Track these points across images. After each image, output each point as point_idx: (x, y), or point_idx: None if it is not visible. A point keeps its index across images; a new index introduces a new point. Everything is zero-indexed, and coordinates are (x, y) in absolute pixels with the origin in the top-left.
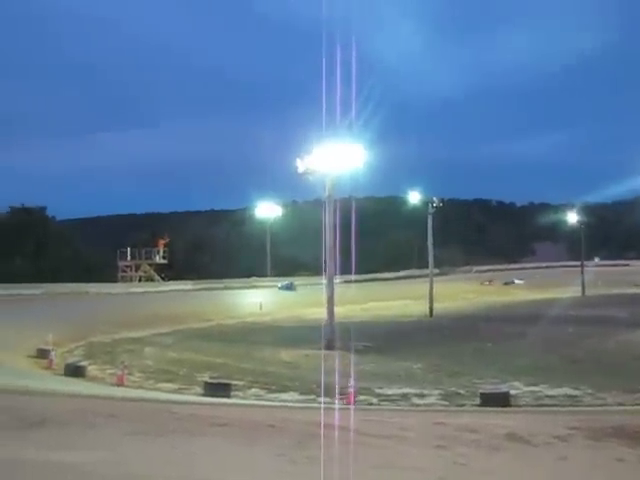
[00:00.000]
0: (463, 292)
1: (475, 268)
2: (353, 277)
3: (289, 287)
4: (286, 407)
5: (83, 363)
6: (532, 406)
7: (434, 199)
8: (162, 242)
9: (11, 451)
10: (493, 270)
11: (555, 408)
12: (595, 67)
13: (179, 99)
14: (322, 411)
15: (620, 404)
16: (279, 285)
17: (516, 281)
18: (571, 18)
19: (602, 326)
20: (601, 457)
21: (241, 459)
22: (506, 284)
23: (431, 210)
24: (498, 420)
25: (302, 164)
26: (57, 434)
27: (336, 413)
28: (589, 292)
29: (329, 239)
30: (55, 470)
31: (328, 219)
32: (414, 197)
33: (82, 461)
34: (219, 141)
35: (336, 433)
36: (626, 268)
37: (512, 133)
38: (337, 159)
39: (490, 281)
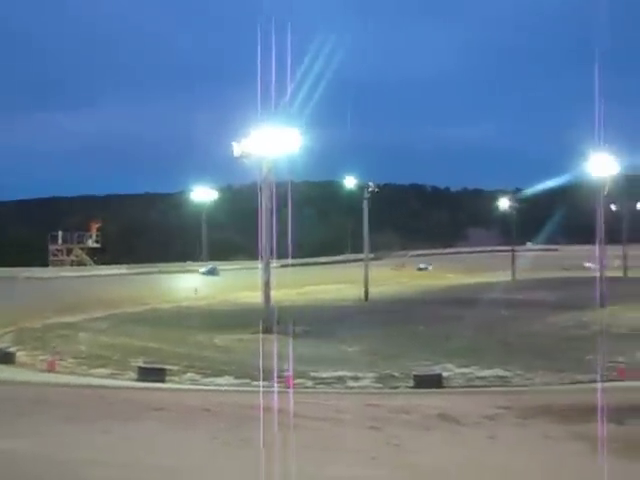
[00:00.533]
0: (398, 276)
1: (410, 253)
2: (289, 261)
3: (212, 272)
4: (221, 391)
5: (12, 349)
6: (463, 387)
7: (370, 184)
8: (95, 226)
9: None
10: (428, 255)
11: (486, 389)
12: (531, 53)
13: (115, 80)
14: (260, 394)
15: (547, 384)
16: (201, 270)
17: (423, 266)
18: (506, 5)
19: (531, 309)
20: (529, 434)
21: (176, 443)
22: (419, 270)
23: (366, 195)
24: (430, 401)
25: (238, 147)
26: None
27: (273, 396)
28: (520, 276)
29: (265, 223)
30: None
31: (264, 203)
32: (350, 182)
33: (12, 448)
34: (156, 123)
35: (272, 416)
36: (556, 253)
37: (447, 119)
38: (273, 143)
39: (402, 265)
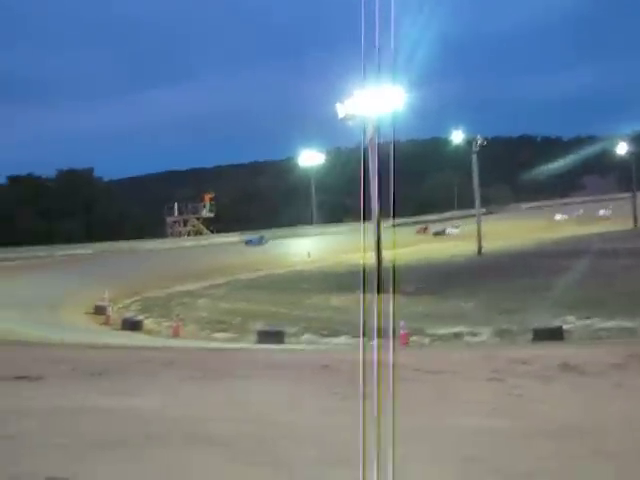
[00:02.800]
0: (511, 230)
1: (524, 206)
2: (398, 221)
3: (258, 242)
4: (339, 350)
5: (139, 317)
6: (585, 339)
7: (478, 138)
8: (208, 196)
9: (77, 399)
10: (542, 206)
11: (609, 340)
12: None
13: (217, 51)
14: (374, 350)
15: None
16: (245, 240)
17: (448, 230)
18: None
19: None
20: None
21: (297, 398)
22: (436, 234)
23: (475, 149)
24: (551, 352)
25: (342, 109)
26: (118, 382)
27: (389, 352)
28: None
29: (372, 184)
30: (117, 415)
31: (371, 164)
32: (457, 137)
33: (142, 406)
34: (257, 92)
35: (390, 371)
36: None
37: (554, 66)
38: (377, 102)
39: (425, 229)
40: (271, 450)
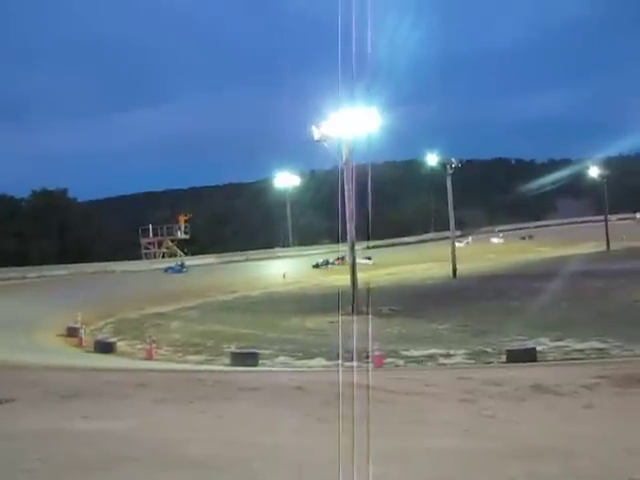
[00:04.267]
0: (484, 252)
1: (497, 228)
2: (373, 243)
3: (178, 270)
4: (313, 371)
5: (112, 339)
6: (559, 360)
7: (452, 160)
8: (183, 218)
9: (48, 421)
10: (516, 229)
11: (582, 361)
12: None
13: (191, 74)
14: (354, 372)
15: None
16: (164, 268)
17: (360, 261)
18: None
19: (628, 279)
20: (628, 403)
21: (271, 420)
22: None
23: (449, 171)
24: (523, 373)
25: (317, 131)
26: (91, 405)
27: (364, 374)
28: (614, 246)
29: (348, 206)
30: (90, 438)
31: (347, 185)
32: (432, 159)
33: (115, 429)
34: (233, 114)
35: (364, 392)
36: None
37: (527, 91)
38: (352, 124)
39: (342, 258)
40: (250, 472)
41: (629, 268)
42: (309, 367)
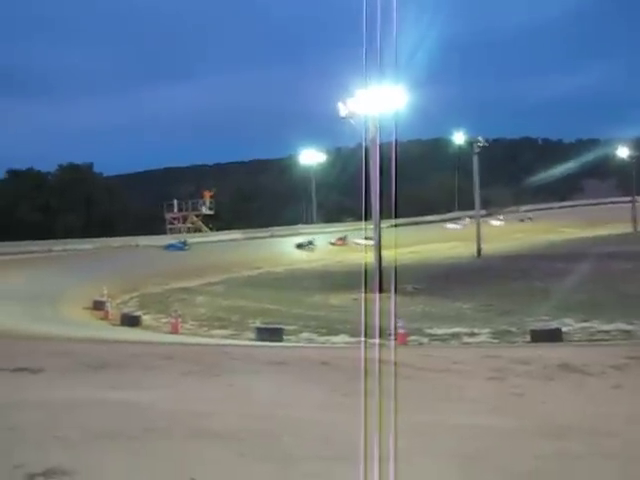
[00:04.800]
0: (510, 232)
1: (523, 208)
2: (396, 221)
3: (180, 247)
4: (338, 347)
5: (138, 313)
6: (585, 341)
7: (479, 139)
8: (208, 193)
9: (77, 391)
10: (540, 209)
11: (609, 342)
12: None
13: (218, 49)
14: (377, 348)
15: None
16: (165, 245)
17: (359, 241)
18: None
19: None
20: None
21: (297, 394)
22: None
23: (476, 150)
24: (551, 352)
25: (344, 108)
26: (117, 376)
27: (389, 351)
28: None
29: (373, 184)
30: (118, 407)
31: (372, 163)
32: (459, 138)
33: (143, 400)
34: (258, 91)
35: (390, 368)
36: None
37: (556, 69)
38: (378, 101)
39: (343, 238)
40: (276, 445)
41: None
42: (333, 343)
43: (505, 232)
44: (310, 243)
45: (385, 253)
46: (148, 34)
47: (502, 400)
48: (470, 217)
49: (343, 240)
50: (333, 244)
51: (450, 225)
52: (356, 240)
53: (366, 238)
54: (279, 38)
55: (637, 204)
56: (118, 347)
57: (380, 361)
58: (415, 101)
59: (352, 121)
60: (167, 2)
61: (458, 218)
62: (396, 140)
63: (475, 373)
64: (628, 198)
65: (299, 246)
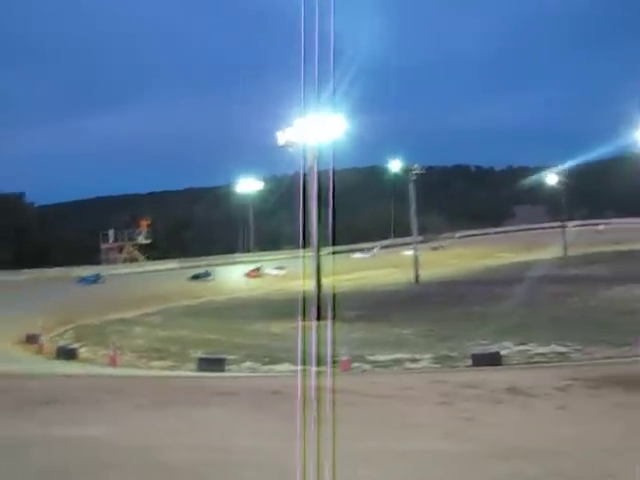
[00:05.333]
0: (446, 258)
1: (458, 234)
2: (336, 248)
3: (93, 280)
4: (285, 376)
5: (74, 345)
6: (524, 364)
7: (415, 166)
8: (145, 222)
9: (25, 429)
10: (476, 235)
11: (549, 364)
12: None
13: (153, 79)
14: (328, 376)
15: (608, 357)
16: (79, 278)
17: (271, 271)
18: None
19: (585, 284)
20: (599, 404)
21: (252, 424)
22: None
23: (412, 177)
24: (496, 376)
25: (283, 137)
26: (66, 411)
27: (338, 378)
28: (571, 252)
29: (312, 211)
30: (71, 443)
31: (311, 190)
32: (395, 165)
33: (94, 435)
34: (195, 118)
35: (342, 396)
36: (606, 227)
37: (486, 97)
38: (318, 130)
39: (257, 270)
40: (231, 478)
41: (584, 274)
42: (277, 372)
43: (437, 259)
44: (207, 274)
45: (325, 280)
46: (77, 62)
47: (454, 424)
48: (385, 246)
49: (257, 271)
50: (247, 275)
51: (357, 255)
52: (267, 271)
53: (277, 268)
54: (215, 66)
55: (567, 229)
56: (61, 381)
57: (328, 390)
58: (351, 129)
59: (290, 149)
60: (100, 30)
61: (401, 245)
62: (334, 169)
63: (425, 398)
64: (558, 223)
65: (195, 277)
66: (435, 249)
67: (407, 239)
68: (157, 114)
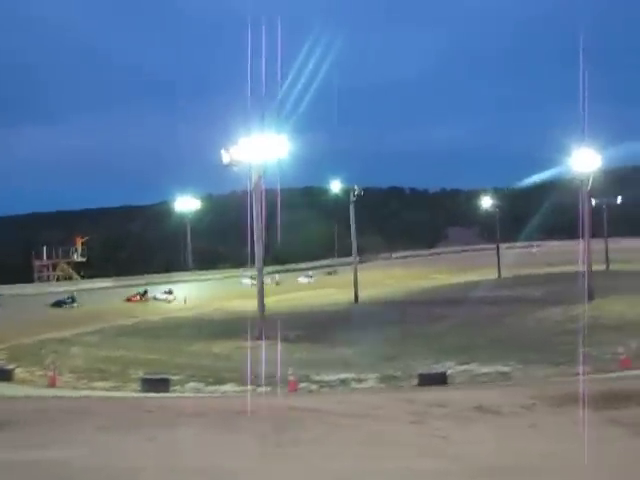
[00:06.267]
0: (384, 278)
1: (394, 255)
2: (274, 268)
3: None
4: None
5: (9, 366)
6: (470, 383)
7: (355, 187)
8: (80, 240)
9: None
10: (412, 256)
11: (492, 384)
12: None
13: (89, 93)
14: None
15: (548, 377)
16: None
17: (160, 296)
18: (473, 10)
19: (520, 305)
20: (566, 421)
21: (227, 445)
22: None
23: (353, 199)
24: (463, 394)
25: (227, 155)
26: (26, 434)
27: (302, 398)
28: (505, 274)
29: (255, 230)
30: (38, 468)
31: (255, 210)
32: (335, 186)
33: (62, 458)
34: (131, 135)
35: (313, 415)
36: (537, 249)
37: (423, 122)
38: (263, 150)
39: (144, 294)
40: None
41: (519, 295)
42: (223, 392)
43: (375, 280)
44: (72, 300)
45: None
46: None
47: (428, 443)
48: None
49: (143, 295)
50: (129, 300)
51: (245, 281)
52: (156, 295)
53: (165, 292)
54: (157, 81)
55: (501, 251)
56: (10, 403)
57: (297, 410)
58: (291, 150)
59: (235, 168)
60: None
61: (338, 265)
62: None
63: (396, 417)
64: (492, 245)
65: (57, 304)
66: (329, 274)
67: (346, 259)
68: (92, 129)
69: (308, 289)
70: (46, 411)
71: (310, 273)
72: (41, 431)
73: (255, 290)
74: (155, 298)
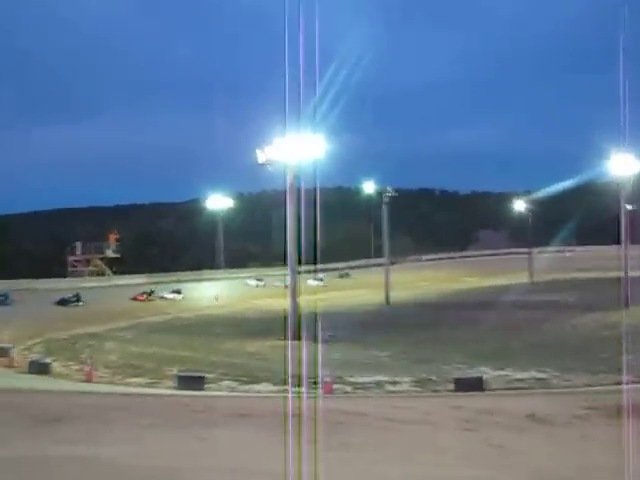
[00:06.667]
0: (415, 280)
1: (424, 257)
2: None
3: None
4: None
5: (47, 360)
6: (505, 389)
7: (388, 189)
8: (113, 236)
9: (37, 448)
10: (441, 258)
11: (530, 391)
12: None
13: (124, 91)
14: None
15: (588, 385)
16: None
17: (167, 295)
18: (504, 12)
19: (553, 311)
20: (621, 434)
21: (276, 447)
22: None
23: (385, 200)
24: (511, 403)
25: (262, 155)
26: (74, 430)
27: (354, 401)
28: (537, 278)
29: (290, 230)
30: (90, 464)
31: (289, 209)
32: (369, 187)
33: (112, 455)
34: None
35: (363, 420)
36: (570, 254)
37: (455, 123)
38: (299, 149)
39: (150, 294)
40: None
41: (552, 300)
42: (257, 392)
43: (408, 280)
44: (78, 299)
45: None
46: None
47: (484, 452)
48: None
49: (149, 295)
50: (134, 299)
51: (250, 282)
52: (164, 294)
53: (173, 292)
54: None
55: (533, 255)
56: (65, 398)
57: (352, 414)
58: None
59: (270, 168)
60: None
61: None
62: (316, 188)
63: (447, 425)
64: (523, 249)
65: (61, 302)
66: (341, 277)
67: (378, 260)
68: (126, 126)
69: (341, 289)
70: (96, 406)
71: (320, 276)
72: (93, 427)
73: (260, 291)
74: (162, 297)
